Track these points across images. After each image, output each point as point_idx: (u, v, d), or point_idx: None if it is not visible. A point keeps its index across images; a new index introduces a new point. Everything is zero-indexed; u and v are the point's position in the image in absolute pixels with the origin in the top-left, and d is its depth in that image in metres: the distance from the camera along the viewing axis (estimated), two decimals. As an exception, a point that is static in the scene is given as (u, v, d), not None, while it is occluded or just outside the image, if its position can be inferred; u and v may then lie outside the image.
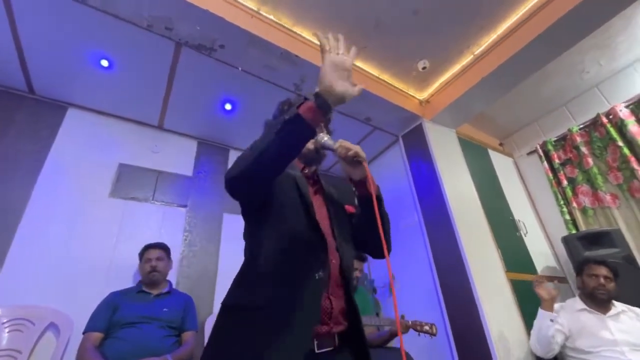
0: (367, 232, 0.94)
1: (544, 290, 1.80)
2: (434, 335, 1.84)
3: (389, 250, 0.94)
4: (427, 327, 1.85)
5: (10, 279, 1.71)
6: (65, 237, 1.92)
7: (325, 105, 0.75)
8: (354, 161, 0.89)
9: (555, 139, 2.98)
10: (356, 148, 0.88)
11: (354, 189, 0.96)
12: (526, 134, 3.31)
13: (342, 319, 0.83)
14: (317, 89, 0.76)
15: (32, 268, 1.78)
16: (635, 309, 1.85)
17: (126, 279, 1.89)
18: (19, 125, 2.05)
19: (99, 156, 2.23)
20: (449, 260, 2.18)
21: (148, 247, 1.92)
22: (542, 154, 3.03)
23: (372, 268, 2.90)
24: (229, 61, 2.00)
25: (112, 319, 1.64)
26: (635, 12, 2.12)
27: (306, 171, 1.02)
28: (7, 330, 1.60)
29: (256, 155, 0.75)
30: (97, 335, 1.59)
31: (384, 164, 3.06)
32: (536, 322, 1.83)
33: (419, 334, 1.86)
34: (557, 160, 2.91)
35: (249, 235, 0.96)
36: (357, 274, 2.07)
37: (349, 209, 1.04)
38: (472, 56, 2.29)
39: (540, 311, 1.81)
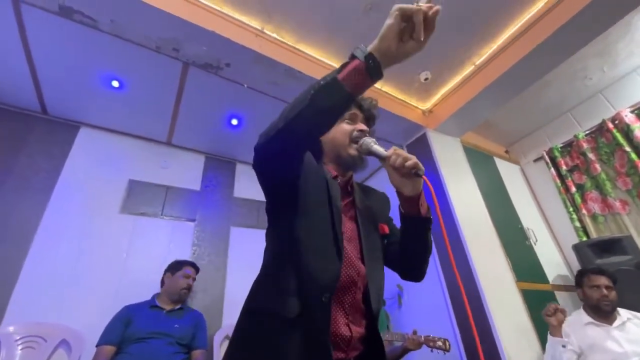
0: (405, 255, 0.86)
1: (553, 318, 1.72)
2: (447, 351, 1.81)
3: (422, 277, 0.91)
4: (440, 343, 1.82)
5: (24, 296, 1.74)
6: (77, 253, 1.96)
7: (376, 71, 0.66)
8: (411, 174, 0.76)
9: (562, 145, 2.96)
10: (415, 159, 0.76)
11: (399, 205, 0.86)
12: (532, 140, 3.29)
13: (361, 345, 0.76)
14: (370, 47, 0.66)
15: (45, 284, 1.81)
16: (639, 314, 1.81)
17: (137, 294, 1.91)
18: (32, 145, 2.12)
19: (109, 173, 2.29)
20: (458, 271, 2.15)
21: (186, 264, 1.97)
22: (548, 160, 3.01)
23: (380, 279, 2.88)
24: (234, 78, 2.06)
25: (125, 333, 1.66)
26: (634, 18, 2.14)
27: (338, 180, 0.89)
28: (20, 347, 1.63)
29: (288, 121, 0.67)
30: (109, 349, 1.61)
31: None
32: (548, 349, 1.75)
33: (431, 350, 1.83)
34: (564, 167, 2.89)
35: (270, 235, 0.86)
36: None
37: (383, 228, 0.92)
38: (473, 66, 2.32)
39: (550, 338, 1.73)
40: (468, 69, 2.34)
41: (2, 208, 1.88)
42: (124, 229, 2.17)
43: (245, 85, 2.10)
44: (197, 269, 2.04)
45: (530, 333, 2.03)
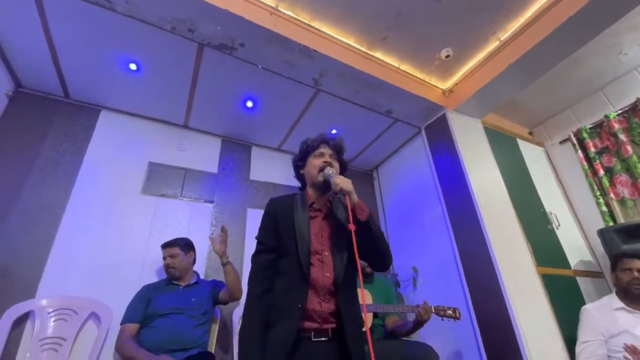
0: (363, 250, 1.12)
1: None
2: (458, 319, 1.82)
3: (387, 265, 1.22)
4: (450, 312, 1.83)
5: (54, 272, 1.85)
6: (102, 233, 2.05)
7: None
8: (342, 194, 1.12)
9: (591, 126, 2.81)
10: (342, 183, 1.11)
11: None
12: (558, 121, 3.14)
13: (332, 318, 1.07)
14: None
15: (74, 261, 1.91)
16: None
17: (159, 272, 1.99)
18: (57, 128, 2.19)
19: (130, 155, 2.35)
20: (475, 254, 2.13)
21: (163, 246, 1.96)
22: (576, 142, 2.87)
23: (395, 263, 2.89)
24: (249, 59, 2.03)
25: (146, 310, 1.73)
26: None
27: (314, 205, 1.24)
28: (53, 319, 1.73)
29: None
30: (133, 326, 1.69)
31: (406, 157, 3.02)
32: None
33: (442, 319, 1.84)
34: (592, 149, 2.75)
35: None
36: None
37: (350, 227, 1.17)
38: (498, 42, 2.20)
39: None
40: (492, 45, 2.22)
41: (33, 189, 1.97)
42: (146, 209, 2.25)
43: (260, 66, 2.08)
44: (177, 245, 1.95)
45: (549, 318, 1.99)
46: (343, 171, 1.32)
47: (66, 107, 2.28)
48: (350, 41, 2.16)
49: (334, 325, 1.07)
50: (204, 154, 2.66)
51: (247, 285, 1.14)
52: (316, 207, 1.25)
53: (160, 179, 2.39)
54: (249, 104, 2.44)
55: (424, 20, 2.02)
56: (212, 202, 2.50)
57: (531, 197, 2.62)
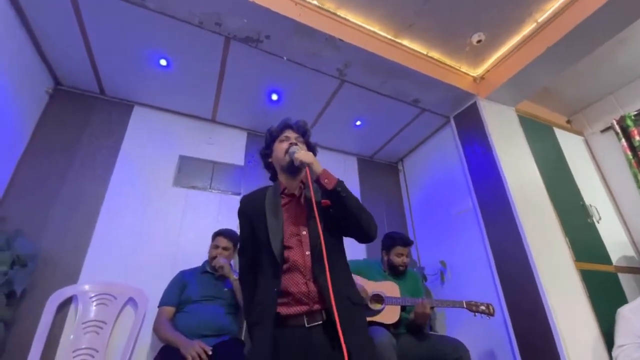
0: (343, 223, 1.13)
1: None
2: (492, 315, 1.76)
3: (372, 234, 1.14)
4: (483, 307, 1.77)
5: (95, 259, 1.96)
6: (139, 222, 2.15)
7: None
8: (303, 167, 1.12)
9: (635, 113, 2.61)
10: (301, 156, 1.11)
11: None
12: (599, 108, 2.94)
13: (319, 298, 1.02)
14: None
15: (112, 250, 2.02)
16: None
17: (190, 261, 2.06)
18: (94, 124, 2.30)
19: (161, 149, 2.43)
20: (508, 249, 2.04)
21: (220, 234, 1.98)
22: (619, 130, 2.67)
23: (422, 256, 2.84)
24: (274, 51, 2.03)
25: (181, 295, 1.81)
26: None
27: (286, 191, 1.22)
28: (94, 303, 1.84)
29: None
30: (170, 310, 1.77)
31: (434, 148, 2.93)
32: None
33: (474, 315, 1.79)
34: (637, 137, 2.55)
35: None
36: (404, 259, 2.03)
37: (325, 202, 1.17)
38: (535, 24, 2.07)
39: None
40: (528, 28, 2.10)
41: (73, 182, 2.09)
42: (177, 200, 2.33)
43: (285, 58, 2.08)
44: (229, 237, 1.98)
45: (589, 315, 1.89)
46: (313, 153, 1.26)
47: (102, 103, 2.39)
48: (376, 29, 2.11)
49: (321, 307, 1.02)
50: (230, 147, 2.71)
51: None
52: (288, 192, 1.22)
53: (190, 171, 2.46)
54: (274, 97, 2.45)
55: (453, 3, 1.94)
56: (239, 194, 2.55)
57: (570, 189, 2.48)
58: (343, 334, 0.88)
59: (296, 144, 1.21)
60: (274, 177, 1.33)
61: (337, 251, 1.15)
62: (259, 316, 1.04)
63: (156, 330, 1.74)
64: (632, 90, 2.71)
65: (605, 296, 2.03)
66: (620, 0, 1.71)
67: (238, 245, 2.02)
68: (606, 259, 2.28)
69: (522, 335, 1.88)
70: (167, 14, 1.77)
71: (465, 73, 2.45)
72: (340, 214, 1.11)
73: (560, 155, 2.64)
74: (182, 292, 1.82)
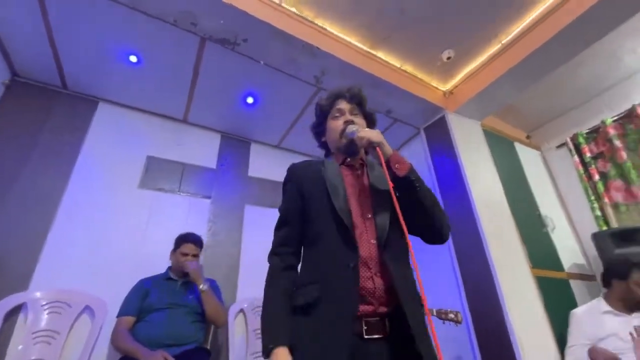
0: (412, 216, 0.88)
1: None
2: (459, 322, 1.83)
3: (445, 234, 0.96)
4: (452, 315, 1.83)
5: (49, 264, 1.82)
6: (98, 225, 2.03)
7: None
8: (372, 148, 0.92)
9: (587, 131, 2.84)
10: (368, 135, 0.92)
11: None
12: (556, 126, 3.17)
13: (387, 298, 0.83)
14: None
15: (68, 254, 1.89)
16: None
17: (155, 267, 1.97)
18: (55, 118, 2.16)
19: (128, 148, 2.32)
20: (472, 256, 2.14)
21: (186, 240, 1.92)
22: (572, 147, 2.90)
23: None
24: (251, 55, 2.02)
25: (142, 304, 1.72)
26: (680, -6, 1.98)
27: (348, 161, 1.05)
28: (46, 312, 1.71)
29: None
30: (129, 319, 1.68)
31: (405, 157, 3.02)
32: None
33: (443, 322, 1.85)
34: (588, 154, 2.78)
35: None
36: None
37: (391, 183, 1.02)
38: (500, 45, 2.21)
39: None
40: (494, 48, 2.24)
41: (29, 179, 1.94)
42: (143, 203, 2.23)
43: (262, 62, 2.07)
44: (198, 244, 1.95)
45: (543, 319, 2.02)
46: (371, 125, 1.11)
47: (64, 97, 2.25)
48: (353, 40, 2.16)
49: (387, 310, 0.83)
50: (202, 149, 2.64)
51: (267, 262, 0.98)
52: (349, 163, 1.05)
53: (158, 173, 2.37)
54: (250, 100, 2.42)
55: (427, 21, 2.03)
56: (209, 197, 2.49)
57: (527, 200, 2.65)
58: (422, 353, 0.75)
59: (352, 121, 1.03)
60: (328, 155, 1.16)
61: (401, 247, 0.92)
62: (315, 302, 0.81)
63: (114, 341, 1.64)
64: (585, 110, 2.95)
65: (557, 301, 2.18)
66: (575, 28, 1.87)
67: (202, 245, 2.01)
68: (559, 266, 2.45)
69: (483, 338, 1.97)
70: (139, 10, 1.71)
71: (435, 87, 2.56)
72: (409, 206, 0.89)
73: (520, 168, 2.81)
74: (143, 301, 1.73)
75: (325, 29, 2.05)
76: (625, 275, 1.83)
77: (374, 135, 0.92)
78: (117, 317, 1.70)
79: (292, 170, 1.06)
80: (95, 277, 1.89)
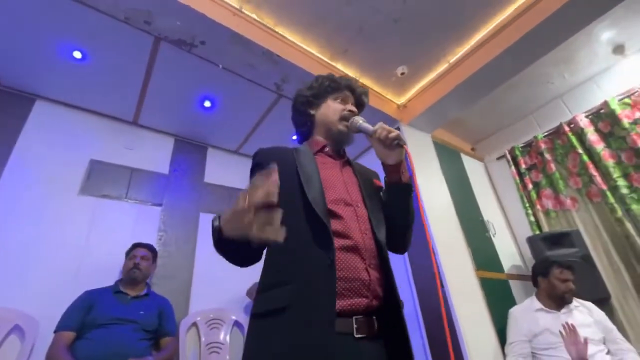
0: (389, 223, 0.90)
1: None
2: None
3: (406, 251, 0.99)
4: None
5: (-32, 280, 1.60)
6: (31, 236, 1.83)
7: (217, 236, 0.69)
8: (393, 145, 0.87)
9: (523, 145, 3.15)
10: (397, 132, 0.88)
11: (384, 175, 0.95)
12: (496, 139, 3.47)
13: (380, 290, 0.79)
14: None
15: (-7, 268, 1.68)
16: (586, 303, 2.00)
17: (97, 281, 1.82)
18: (-21, 116, 1.93)
19: (68, 151, 2.13)
20: (423, 259, 2.26)
21: (136, 246, 1.92)
22: (510, 159, 3.19)
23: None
24: (209, 58, 1.98)
25: (85, 318, 1.58)
26: (595, 29, 2.29)
27: (326, 149, 1.00)
28: (-36, 334, 1.50)
29: (216, 247, 0.74)
30: (69, 335, 1.53)
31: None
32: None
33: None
34: (523, 165, 3.08)
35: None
36: None
37: (377, 182, 1.01)
38: (447, 64, 2.39)
39: None
40: (442, 67, 2.41)
41: (-58, 184, 1.70)
42: (83, 211, 2.05)
43: (221, 66, 2.03)
44: (151, 250, 1.97)
45: (486, 317, 2.18)
46: None
47: (-8, 93, 2.02)
48: (313, 50, 2.20)
49: (378, 303, 0.78)
50: (154, 154, 2.51)
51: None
52: (328, 152, 0.99)
53: (103, 178, 2.20)
54: (207, 103, 2.36)
55: (383, 38, 2.14)
56: (160, 205, 2.36)
57: (472, 207, 2.86)
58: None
59: (357, 113, 1.01)
60: (304, 139, 1.07)
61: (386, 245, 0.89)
62: (295, 302, 0.69)
63: (50, 359, 1.48)
64: (520, 126, 3.27)
65: (499, 300, 2.36)
66: (512, 51, 2.08)
67: (156, 253, 1.95)
68: (500, 268, 2.66)
69: (432, 336, 2.08)
70: (86, 4, 1.60)
71: (390, 100, 2.69)
72: (395, 212, 0.90)
73: (465, 177, 3.03)
74: (86, 315, 1.59)
75: (285, 38, 2.07)
76: (547, 273, 2.04)
77: (399, 133, 0.88)
78: (55, 332, 1.54)
79: (263, 154, 0.94)
80: (26, 293, 1.70)
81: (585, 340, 1.62)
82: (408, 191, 0.91)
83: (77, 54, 1.88)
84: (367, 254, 0.80)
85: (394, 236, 0.92)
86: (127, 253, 1.92)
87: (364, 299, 0.74)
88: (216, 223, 0.69)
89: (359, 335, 0.71)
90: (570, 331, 1.69)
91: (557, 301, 1.97)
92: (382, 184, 1.02)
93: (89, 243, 1.98)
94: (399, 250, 0.98)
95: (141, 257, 1.86)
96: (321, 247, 0.74)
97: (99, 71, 2.01)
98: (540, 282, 2.08)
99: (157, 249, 2.17)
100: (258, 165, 0.91)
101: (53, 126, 2.14)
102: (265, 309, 0.72)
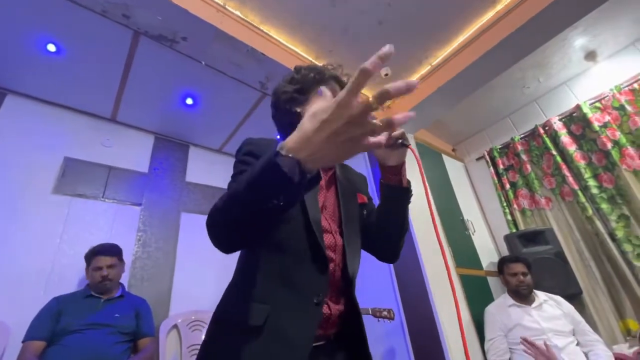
0: (382, 229, 0.85)
1: None
2: (392, 319, 1.94)
3: (397, 257, 0.91)
4: (385, 313, 1.95)
5: None
6: (1, 237, 1.74)
7: (291, 171, 0.50)
8: (397, 144, 0.77)
9: (500, 146, 3.25)
10: (401, 129, 0.77)
11: (381, 178, 0.87)
12: (476, 141, 3.57)
13: (339, 322, 0.77)
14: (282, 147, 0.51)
15: (-43, 272, 1.58)
16: (555, 297, 2.09)
17: (71, 284, 1.75)
18: (-58, 111, 1.82)
19: (41, 148, 2.04)
20: (405, 257, 2.29)
21: (97, 253, 1.73)
22: (488, 159, 3.29)
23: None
24: (191, 54, 1.94)
25: (55, 326, 1.51)
26: (569, 34, 2.39)
27: None
28: None
29: (225, 210, 0.61)
30: (38, 344, 1.46)
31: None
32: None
33: (378, 320, 1.94)
34: (501, 166, 3.18)
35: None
36: None
37: (362, 197, 0.93)
38: (429, 66, 2.44)
39: None
40: (425, 69, 2.46)
41: None
42: (57, 211, 1.97)
43: (203, 63, 1.99)
44: (115, 253, 1.78)
45: (465, 312, 2.24)
46: None
47: (-44, 86, 1.91)
48: (299, 49, 2.19)
49: (337, 330, 0.77)
50: (133, 151, 2.44)
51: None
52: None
53: (78, 177, 2.12)
54: (189, 101, 2.31)
55: (367, 39, 2.16)
56: (139, 204, 2.29)
57: (453, 206, 2.93)
58: None
59: None
60: (286, 135, 0.88)
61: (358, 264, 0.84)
62: (274, 321, 0.65)
63: (18, 371, 1.41)
64: (499, 128, 3.38)
65: (478, 297, 2.43)
66: (490, 55, 2.14)
67: (121, 253, 1.80)
68: (479, 265, 2.74)
69: (414, 333, 2.12)
70: (60, -5, 1.54)
71: (374, 100, 2.71)
72: (388, 219, 0.84)
73: (446, 177, 3.10)
74: (56, 323, 1.51)
75: (270, 36, 2.06)
76: (502, 270, 2.19)
77: (404, 131, 0.79)
78: (23, 342, 1.46)
79: (254, 144, 0.82)
80: (-6, 298, 1.61)
81: (547, 344, 1.63)
82: (408, 196, 0.84)
83: (52, 47, 1.80)
84: (332, 287, 0.75)
85: (386, 245, 0.89)
86: (87, 259, 1.75)
87: (319, 329, 0.70)
88: (288, 154, 0.49)
89: (316, 344, 0.69)
90: (529, 344, 1.70)
91: (519, 295, 2.05)
92: (369, 193, 0.98)
93: (63, 245, 1.90)
94: (391, 259, 0.93)
95: (107, 266, 1.70)
96: (315, 279, 0.70)
97: (74, 65, 1.93)
98: (502, 280, 2.21)
99: (136, 249, 2.11)
100: (250, 153, 0.78)
101: (25, 122, 2.04)
102: (249, 324, 0.66)
